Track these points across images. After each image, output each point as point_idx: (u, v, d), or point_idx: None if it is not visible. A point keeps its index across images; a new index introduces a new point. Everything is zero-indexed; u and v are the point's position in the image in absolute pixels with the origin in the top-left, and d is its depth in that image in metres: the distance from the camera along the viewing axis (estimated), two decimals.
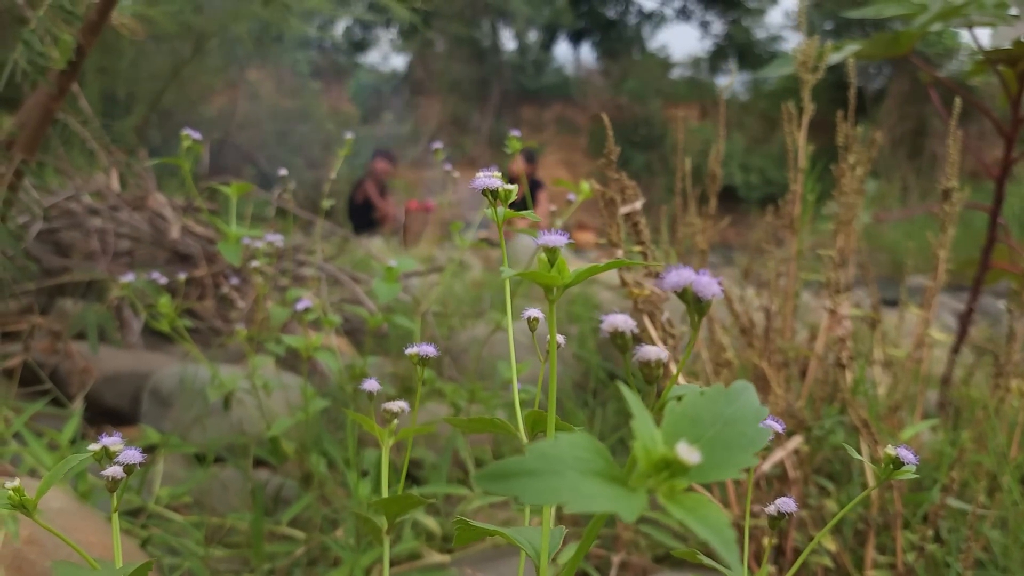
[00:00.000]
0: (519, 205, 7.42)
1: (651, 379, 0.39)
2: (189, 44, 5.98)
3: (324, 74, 14.84)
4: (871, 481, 1.18)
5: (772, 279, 1.48)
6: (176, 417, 1.81)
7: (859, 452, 1.25)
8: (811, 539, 1.19)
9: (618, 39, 19.33)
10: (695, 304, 0.38)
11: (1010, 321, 1.51)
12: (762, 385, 1.29)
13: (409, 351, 0.66)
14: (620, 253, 1.13)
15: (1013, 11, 2.02)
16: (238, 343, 2.14)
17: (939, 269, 1.45)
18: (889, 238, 7.74)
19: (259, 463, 1.66)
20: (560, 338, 0.66)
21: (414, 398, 1.73)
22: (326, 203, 1.67)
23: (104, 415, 1.91)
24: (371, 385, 0.69)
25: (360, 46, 18.42)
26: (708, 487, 1.24)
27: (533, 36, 18.70)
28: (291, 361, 2.11)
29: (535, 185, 7.42)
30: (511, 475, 0.30)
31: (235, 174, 6.76)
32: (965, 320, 1.92)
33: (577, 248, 5.53)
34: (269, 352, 1.52)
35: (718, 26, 19.53)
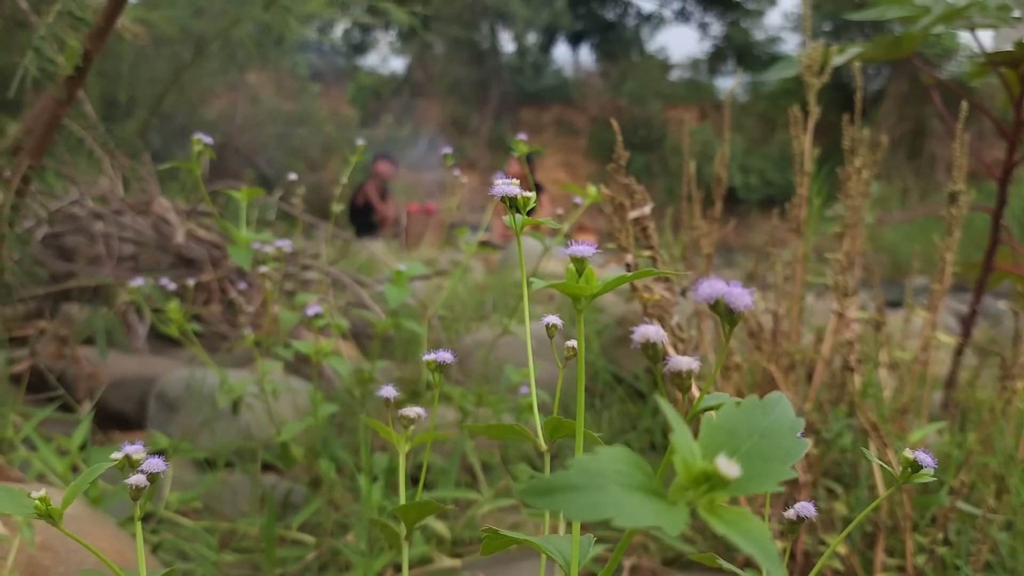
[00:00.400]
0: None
1: (682, 389, 0.40)
2: (189, 48, 5.98)
3: (323, 77, 14.85)
4: (880, 483, 1.18)
5: (779, 282, 1.49)
6: (183, 422, 1.81)
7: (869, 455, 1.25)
8: (821, 542, 1.20)
9: (617, 41, 19.35)
10: (727, 316, 0.38)
11: (1016, 322, 1.51)
12: (770, 388, 1.29)
13: (426, 357, 0.66)
14: (629, 258, 1.13)
15: (1016, 13, 2.02)
16: (244, 347, 2.14)
17: (945, 272, 1.45)
18: (889, 239, 7.74)
19: (266, 467, 1.66)
20: (573, 343, 0.66)
21: (422, 402, 1.73)
22: (336, 207, 1.67)
23: (110, 420, 1.91)
24: (388, 391, 0.70)
25: (359, 49, 18.44)
26: None
27: (532, 38, 18.72)
28: (296, 365, 2.12)
29: (535, 188, 7.40)
30: (555, 490, 0.30)
31: (235, 177, 6.77)
32: (969, 321, 1.93)
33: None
34: (278, 356, 1.53)
35: (717, 28, 19.56)
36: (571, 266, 0.46)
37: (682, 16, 19.80)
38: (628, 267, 1.13)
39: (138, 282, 1.44)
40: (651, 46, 20.35)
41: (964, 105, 1.51)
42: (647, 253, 1.15)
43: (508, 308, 3.12)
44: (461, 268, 1.78)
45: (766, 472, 0.33)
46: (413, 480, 1.57)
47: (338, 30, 15.93)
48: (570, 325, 2.93)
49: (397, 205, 8.34)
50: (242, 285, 1.85)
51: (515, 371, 1.51)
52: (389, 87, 17.26)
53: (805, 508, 0.56)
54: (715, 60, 19.40)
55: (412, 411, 0.68)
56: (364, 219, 7.52)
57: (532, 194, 0.65)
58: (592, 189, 1.41)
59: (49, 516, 0.53)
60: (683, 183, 1.66)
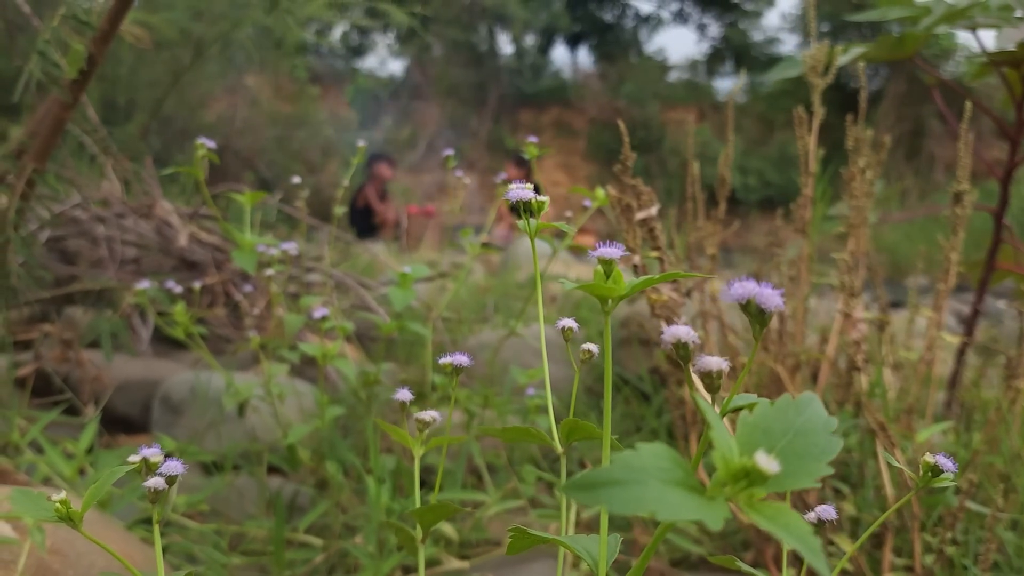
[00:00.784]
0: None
1: (712, 388, 0.40)
2: (188, 51, 5.98)
3: (322, 79, 14.86)
4: (888, 484, 1.18)
5: (785, 282, 1.49)
6: (188, 425, 1.81)
7: (875, 455, 1.25)
8: (829, 542, 1.20)
9: (615, 42, 19.36)
10: (758, 316, 0.38)
11: (1021, 322, 1.51)
12: (777, 388, 1.29)
13: (443, 360, 0.66)
14: (637, 259, 1.13)
15: (1018, 13, 2.02)
16: (247, 350, 2.14)
17: (950, 271, 1.45)
18: (888, 239, 7.75)
19: (271, 470, 1.66)
20: (593, 347, 0.66)
21: (428, 404, 1.73)
22: (339, 209, 1.67)
23: (115, 423, 1.91)
24: (404, 395, 0.70)
25: (358, 51, 18.44)
26: None
27: (530, 40, 18.74)
28: (300, 368, 2.12)
29: (533, 190, 7.40)
30: (597, 485, 0.30)
31: (235, 180, 6.77)
32: (971, 321, 1.93)
33: (578, 252, 5.54)
34: (284, 359, 1.53)
35: (715, 29, 19.58)
36: (598, 268, 0.46)
37: (680, 17, 19.82)
38: (636, 268, 1.13)
39: (144, 284, 1.44)
40: (649, 47, 20.37)
41: (968, 105, 1.51)
42: (654, 254, 1.15)
43: (511, 310, 3.12)
44: (465, 270, 1.78)
45: (802, 469, 0.34)
46: (424, 483, 1.57)
47: (336, 32, 15.94)
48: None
49: (397, 207, 8.34)
50: (247, 288, 1.85)
51: (522, 373, 1.51)
52: (388, 89, 17.27)
53: (826, 511, 0.56)
54: (713, 61, 19.42)
55: (427, 415, 0.68)
56: (364, 221, 7.52)
57: (546, 198, 0.65)
58: (600, 192, 1.41)
59: (69, 519, 0.53)
60: (687, 184, 1.66)
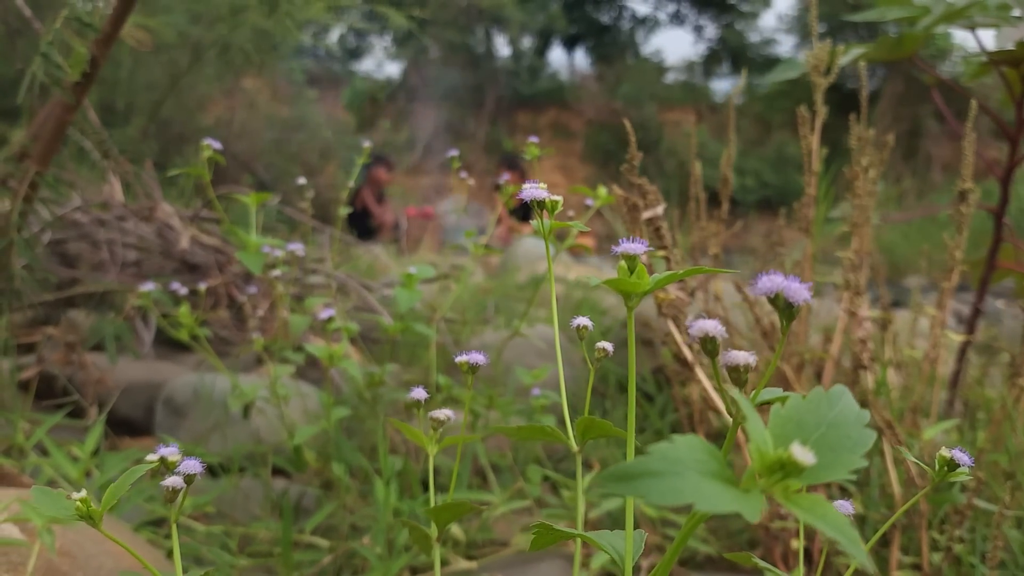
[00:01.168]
0: (522, 212, 7.42)
1: (739, 383, 0.40)
2: (186, 54, 5.97)
3: (319, 82, 14.86)
4: (895, 482, 1.18)
5: None
6: (191, 427, 1.81)
7: (881, 454, 1.26)
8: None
9: (612, 44, 19.38)
10: (785, 309, 0.38)
11: None
12: (783, 387, 1.29)
13: (459, 359, 0.66)
14: (644, 258, 1.13)
15: (1016, 12, 2.03)
16: (250, 353, 2.14)
17: (954, 270, 1.45)
18: (886, 239, 7.76)
19: (275, 472, 1.66)
20: (608, 345, 0.66)
21: (431, 405, 1.73)
22: (343, 210, 1.67)
23: (118, 425, 1.91)
24: (419, 394, 0.70)
25: (354, 54, 18.44)
26: None
27: (527, 42, 18.74)
28: (302, 369, 2.12)
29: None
30: (635, 476, 0.30)
31: (233, 183, 6.77)
32: (972, 320, 1.93)
33: (576, 253, 5.54)
34: (290, 361, 1.53)
35: (711, 30, 19.61)
36: (622, 263, 0.46)
37: (677, 19, 19.84)
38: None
39: (148, 286, 1.44)
40: (646, 49, 20.39)
41: (973, 104, 1.51)
42: (661, 253, 1.16)
43: (512, 311, 3.12)
44: (468, 271, 1.78)
45: (836, 461, 0.34)
46: (423, 485, 1.57)
47: (333, 35, 15.94)
48: (570, 328, 2.92)
49: (395, 209, 8.34)
50: (252, 289, 1.85)
51: (526, 373, 1.51)
52: (385, 92, 17.27)
53: (844, 506, 0.56)
54: (710, 62, 19.45)
55: (442, 413, 0.68)
56: (362, 224, 7.52)
57: (559, 197, 0.65)
58: (602, 191, 1.42)
59: (90, 517, 0.53)
60: (690, 184, 1.66)
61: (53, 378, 1.86)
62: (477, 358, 0.66)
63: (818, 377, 1.55)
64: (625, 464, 0.31)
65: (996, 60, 1.97)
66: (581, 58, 20.18)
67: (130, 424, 1.94)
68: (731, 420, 1.09)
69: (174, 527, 0.58)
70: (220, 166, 1.29)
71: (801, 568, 0.66)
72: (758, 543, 1.26)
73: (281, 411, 1.46)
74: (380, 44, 18.64)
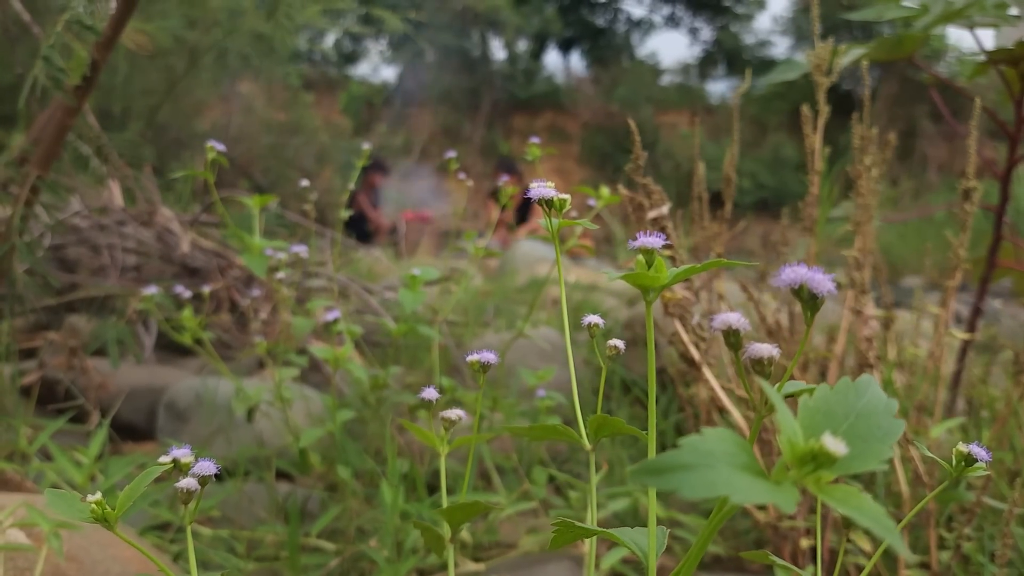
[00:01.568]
0: (518, 216, 7.41)
1: (763, 375, 0.40)
2: (183, 59, 5.97)
3: (316, 86, 14.85)
4: (902, 481, 1.18)
5: None
6: (193, 431, 1.80)
7: (922, 448, 1.25)
8: (846, 540, 1.19)
9: (607, 47, 19.39)
10: (810, 301, 0.38)
11: None
12: (744, 387, 1.29)
13: (470, 358, 0.66)
14: None
15: (1013, 11, 2.03)
16: (251, 356, 2.13)
17: (958, 269, 1.45)
18: (883, 240, 7.77)
19: (279, 475, 1.65)
20: (619, 343, 0.66)
21: (435, 407, 1.72)
22: (344, 213, 1.67)
23: (119, 430, 1.90)
24: (430, 394, 0.69)
25: (350, 58, 18.44)
26: None
27: (523, 45, 18.74)
28: (304, 373, 2.11)
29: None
30: (667, 469, 0.30)
31: (230, 187, 6.75)
32: (973, 319, 1.94)
33: (575, 255, 5.54)
34: (293, 364, 1.52)
35: (707, 32, 19.63)
36: (640, 257, 0.46)
37: (672, 21, 19.87)
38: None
39: (151, 290, 1.44)
40: (641, 51, 20.41)
41: (977, 102, 1.52)
42: (667, 252, 1.15)
43: (512, 314, 3.12)
44: (469, 274, 1.78)
45: (867, 451, 0.34)
46: (428, 487, 1.56)
47: (329, 40, 15.95)
48: (573, 329, 2.92)
49: (391, 214, 8.34)
50: (255, 292, 1.84)
51: (531, 374, 1.51)
52: (381, 96, 17.26)
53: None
54: (705, 65, 19.47)
55: (453, 413, 0.68)
56: (359, 228, 7.52)
57: (568, 196, 0.65)
58: (605, 191, 1.41)
59: (105, 520, 0.53)
60: (693, 184, 1.66)
61: (55, 383, 1.86)
62: (488, 357, 0.65)
63: (822, 376, 1.55)
64: (658, 458, 0.31)
65: (995, 59, 1.97)
66: (577, 61, 20.19)
67: (132, 429, 1.93)
68: (739, 420, 1.08)
69: (188, 530, 0.58)
70: (218, 171, 1.29)
71: (820, 568, 0.66)
72: (765, 542, 1.25)
73: (285, 414, 1.46)
74: (376, 48, 18.65)
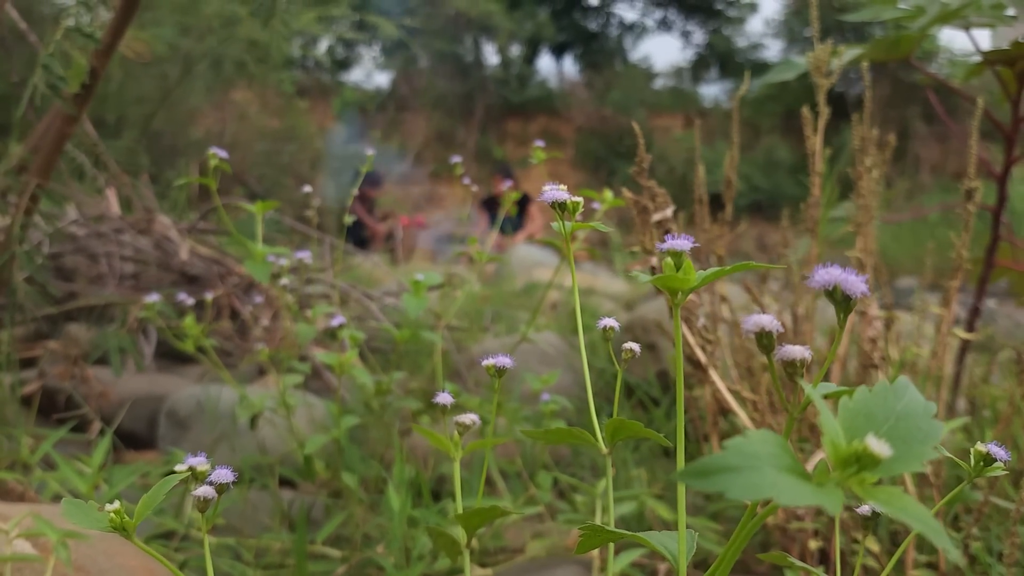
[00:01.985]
0: (516, 220, 7.41)
1: (795, 377, 0.40)
2: (177, 67, 5.97)
3: (309, 93, 14.85)
4: (908, 481, 1.18)
5: (797, 282, 1.49)
6: (195, 439, 1.79)
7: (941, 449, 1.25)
8: (854, 540, 1.19)
9: (600, 51, 19.43)
10: (843, 302, 0.38)
11: None
12: (776, 389, 1.30)
13: (485, 362, 0.65)
14: (655, 260, 1.13)
15: (1010, 12, 2.04)
16: (251, 364, 2.13)
17: (960, 269, 1.46)
18: (878, 241, 7.78)
19: (282, 482, 1.65)
20: (635, 346, 0.66)
21: (437, 412, 1.72)
22: (348, 219, 1.67)
23: (121, 439, 1.89)
24: (444, 398, 0.69)
25: (343, 65, 18.44)
26: None
27: (516, 50, 18.77)
28: (306, 379, 2.11)
29: (523, 199, 7.42)
30: (713, 472, 0.30)
31: (225, 194, 6.74)
32: (972, 319, 1.94)
33: (576, 258, 5.53)
34: (297, 370, 1.52)
35: (699, 36, 19.68)
36: (668, 260, 0.46)
37: (664, 25, 19.92)
38: (653, 270, 1.13)
39: (153, 298, 1.43)
40: (634, 55, 20.46)
41: (979, 102, 1.52)
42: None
43: (511, 318, 3.12)
44: (472, 278, 1.78)
45: (909, 452, 0.33)
46: (433, 493, 1.56)
47: (322, 46, 15.94)
48: (572, 334, 2.92)
49: (384, 213, 8.34)
50: (257, 299, 1.84)
51: (535, 378, 1.51)
52: (374, 102, 17.26)
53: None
54: (698, 68, 19.51)
55: (467, 417, 0.68)
56: (355, 234, 7.52)
57: (580, 199, 0.65)
58: (608, 194, 1.42)
59: (123, 529, 0.53)
60: (695, 187, 1.67)
61: (55, 392, 1.85)
62: (503, 361, 0.65)
63: (826, 377, 1.55)
64: (704, 460, 0.30)
65: (991, 59, 1.98)
66: (570, 65, 20.22)
67: (133, 437, 1.92)
68: (746, 421, 1.08)
69: (206, 539, 0.57)
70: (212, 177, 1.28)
71: (839, 569, 0.66)
72: (772, 544, 1.25)
73: (290, 421, 1.45)
74: (369, 54, 18.66)
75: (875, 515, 0.58)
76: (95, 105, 5.88)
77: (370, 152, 1.60)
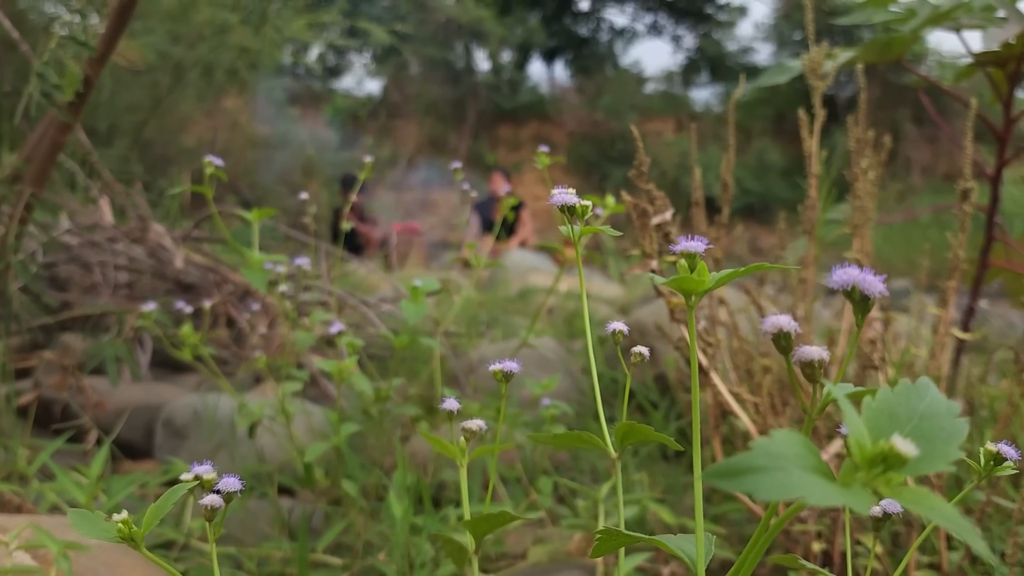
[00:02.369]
0: (511, 225, 7.41)
1: (812, 379, 0.39)
2: (168, 75, 5.95)
3: (300, 100, 14.84)
4: (911, 481, 1.18)
5: (795, 284, 1.49)
6: (192, 448, 1.78)
7: None
8: (857, 542, 1.19)
9: (591, 56, 19.47)
10: (861, 302, 0.38)
11: None
12: (791, 389, 1.30)
13: (493, 367, 0.65)
14: (655, 264, 1.13)
15: (1000, 13, 2.05)
16: (247, 372, 2.12)
17: (957, 269, 1.46)
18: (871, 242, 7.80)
19: (281, 491, 1.64)
20: (644, 349, 0.65)
21: (437, 419, 1.72)
22: (346, 225, 1.66)
23: (117, 448, 1.88)
24: (451, 404, 0.69)
25: (334, 72, 18.43)
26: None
27: (507, 56, 18.80)
28: (303, 387, 2.10)
29: (516, 205, 7.42)
30: (741, 472, 0.30)
31: (217, 202, 6.72)
32: (967, 319, 1.94)
33: (561, 263, 5.53)
34: (295, 378, 1.51)
35: (689, 40, 19.74)
36: (682, 262, 0.46)
37: (655, 30, 19.97)
38: (654, 272, 1.13)
39: (150, 306, 1.42)
40: (625, 60, 20.49)
41: (974, 103, 1.53)
42: (672, 259, 1.15)
43: (507, 324, 3.11)
44: (470, 284, 1.77)
45: (934, 452, 0.33)
46: (433, 500, 1.55)
47: (313, 53, 15.94)
48: (569, 338, 2.92)
49: (377, 221, 8.33)
50: (255, 307, 1.83)
51: (536, 384, 1.50)
52: (366, 109, 17.25)
53: (891, 504, 0.56)
54: (689, 72, 19.57)
55: (474, 424, 0.67)
56: (349, 241, 7.50)
57: (589, 203, 0.65)
58: (611, 199, 1.42)
59: (132, 539, 0.52)
60: (692, 190, 1.67)
61: (51, 403, 1.84)
62: (511, 366, 0.65)
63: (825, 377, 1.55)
64: (731, 460, 0.30)
65: (983, 61, 1.98)
66: (561, 71, 20.25)
67: (129, 447, 1.91)
68: (748, 424, 1.08)
69: (213, 547, 0.57)
70: (204, 186, 1.28)
71: (849, 571, 0.65)
72: (774, 547, 1.25)
73: (289, 429, 1.45)
74: (360, 61, 18.65)
75: (886, 516, 0.57)
76: (86, 114, 5.86)
77: (368, 159, 1.60)
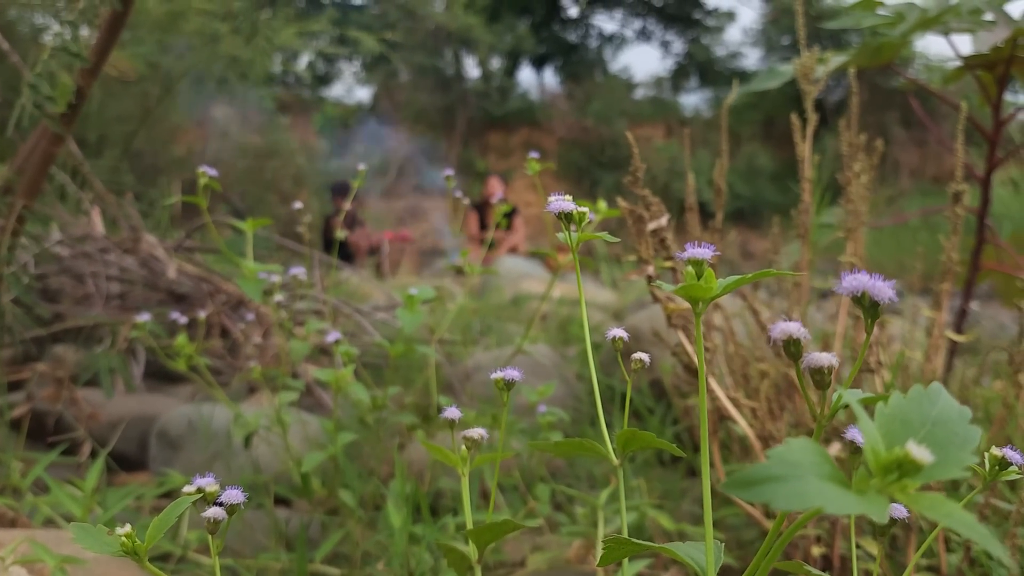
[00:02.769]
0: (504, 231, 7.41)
1: (821, 385, 0.40)
2: (157, 85, 5.94)
3: (290, 109, 14.82)
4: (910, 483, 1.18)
5: (791, 288, 1.50)
6: (187, 459, 1.77)
7: None
8: (857, 545, 1.19)
9: (580, 62, 19.52)
10: (871, 308, 0.38)
11: (1021, 320, 1.53)
12: (791, 392, 1.30)
13: (494, 375, 0.65)
14: (651, 269, 1.13)
15: (988, 17, 2.06)
16: (241, 382, 2.11)
17: (951, 272, 1.47)
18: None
19: (277, 501, 1.63)
20: (645, 355, 0.65)
21: (433, 427, 1.71)
22: (341, 234, 1.66)
23: (112, 460, 1.87)
24: (452, 413, 0.69)
25: (324, 80, 18.43)
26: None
27: (496, 63, 18.83)
28: (298, 397, 2.09)
29: (508, 212, 7.42)
30: (758, 481, 0.30)
31: (209, 212, 6.70)
32: (960, 321, 1.95)
33: (552, 269, 5.53)
34: (292, 388, 1.50)
35: (678, 45, 19.81)
36: (689, 269, 0.45)
37: (644, 35, 20.04)
38: (650, 278, 1.13)
39: (144, 317, 1.42)
40: (614, 66, 20.55)
41: (964, 106, 1.53)
42: (667, 264, 1.15)
43: (500, 331, 3.11)
44: (463, 291, 1.77)
45: (948, 458, 0.33)
46: (431, 509, 1.55)
47: (303, 62, 15.93)
48: (563, 344, 2.92)
49: (370, 234, 8.32)
50: (249, 316, 1.82)
51: (532, 390, 1.50)
52: (356, 117, 17.25)
53: (899, 510, 0.56)
54: (678, 77, 19.64)
55: (475, 432, 0.67)
56: (339, 250, 7.49)
57: (586, 210, 0.65)
58: (603, 204, 1.42)
59: (135, 553, 0.52)
60: (686, 195, 1.67)
61: (44, 415, 1.83)
62: (512, 374, 0.65)
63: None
64: (748, 470, 0.30)
65: (971, 64, 2.00)
66: (550, 77, 20.29)
67: (124, 459, 1.90)
68: (747, 429, 1.08)
69: (216, 560, 0.56)
70: (193, 195, 1.28)
71: (855, 572, 0.65)
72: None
73: (285, 439, 1.44)
74: (349, 69, 18.65)
75: (892, 521, 0.57)
76: (77, 124, 5.84)
77: (361, 167, 1.60)
